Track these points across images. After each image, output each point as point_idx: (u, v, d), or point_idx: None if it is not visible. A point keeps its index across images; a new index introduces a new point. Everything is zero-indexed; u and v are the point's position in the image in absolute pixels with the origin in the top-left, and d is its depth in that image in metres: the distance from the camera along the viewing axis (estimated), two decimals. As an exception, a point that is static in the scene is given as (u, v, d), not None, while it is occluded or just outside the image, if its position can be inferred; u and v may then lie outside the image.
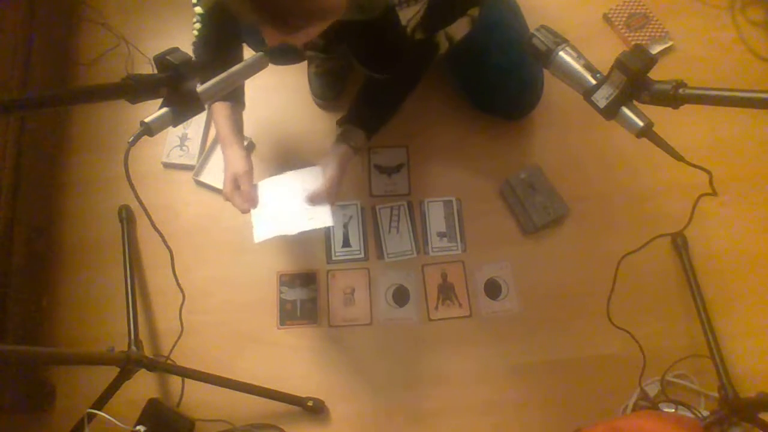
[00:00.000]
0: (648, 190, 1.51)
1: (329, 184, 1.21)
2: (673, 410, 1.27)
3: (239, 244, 1.48)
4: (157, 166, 1.55)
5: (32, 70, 1.47)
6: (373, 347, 1.39)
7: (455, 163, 1.54)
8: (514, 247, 1.47)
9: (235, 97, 1.25)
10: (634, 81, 0.74)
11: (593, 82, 0.79)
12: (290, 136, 1.58)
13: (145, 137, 0.77)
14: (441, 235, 1.48)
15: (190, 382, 1.32)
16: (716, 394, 1.23)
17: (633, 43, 1.64)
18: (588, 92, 0.80)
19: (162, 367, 1.19)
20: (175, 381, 1.35)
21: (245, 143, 1.55)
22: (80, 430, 1.10)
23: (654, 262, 1.43)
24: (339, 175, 1.23)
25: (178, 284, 1.07)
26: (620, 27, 1.66)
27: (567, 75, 0.83)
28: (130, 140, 0.74)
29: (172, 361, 1.33)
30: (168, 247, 0.95)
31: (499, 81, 1.41)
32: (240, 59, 1.27)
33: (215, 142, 1.56)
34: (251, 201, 1.20)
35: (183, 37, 1.66)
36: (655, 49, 1.63)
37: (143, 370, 1.11)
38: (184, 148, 1.55)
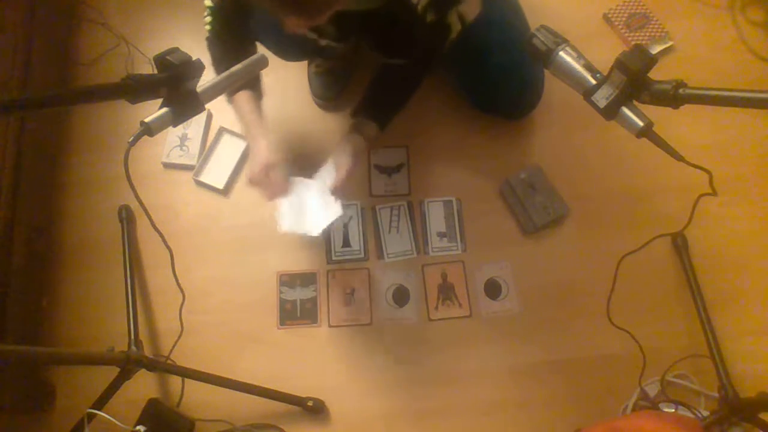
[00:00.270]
0: (648, 190, 1.51)
1: (342, 174, 1.22)
2: (673, 410, 1.27)
3: (239, 244, 1.48)
4: (157, 166, 1.55)
5: (32, 70, 1.47)
6: (373, 347, 1.39)
7: (455, 163, 1.54)
8: (514, 247, 1.47)
9: (255, 87, 1.27)
10: (634, 81, 0.74)
11: (593, 82, 0.80)
12: (290, 135, 1.58)
13: (145, 137, 0.77)
14: (441, 235, 1.48)
15: (190, 382, 1.32)
16: (716, 394, 1.24)
17: (633, 43, 1.63)
18: (588, 92, 0.80)
19: (162, 367, 1.19)
20: (175, 381, 1.35)
21: (245, 143, 1.55)
22: (80, 430, 1.10)
23: (654, 262, 1.43)
24: (352, 166, 1.24)
25: (178, 284, 1.07)
26: (620, 27, 1.66)
27: (567, 75, 0.83)
28: (130, 140, 0.74)
29: (172, 361, 1.33)
30: (168, 247, 0.95)
31: (501, 80, 1.41)
32: (254, 52, 1.27)
33: (215, 142, 1.56)
34: (282, 190, 1.21)
35: (183, 37, 1.67)
36: (655, 49, 1.63)
37: (143, 370, 1.11)
38: (184, 148, 1.55)
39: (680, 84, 0.71)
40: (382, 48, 1.27)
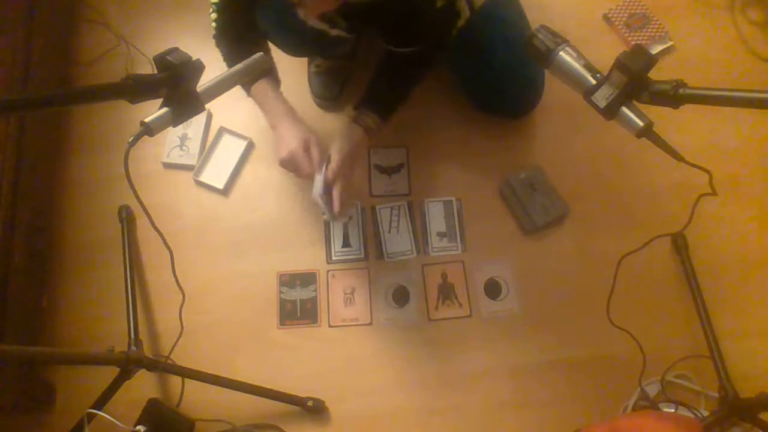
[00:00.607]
0: (648, 190, 1.51)
1: (337, 165, 1.22)
2: (673, 410, 1.27)
3: (239, 244, 1.48)
4: (157, 166, 1.55)
5: (32, 70, 1.47)
6: (373, 347, 1.39)
7: (455, 163, 1.54)
8: (514, 247, 1.47)
9: (272, 74, 1.28)
10: (634, 81, 0.74)
11: (593, 82, 0.80)
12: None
13: (145, 137, 0.77)
14: (441, 235, 1.48)
15: (190, 382, 1.32)
16: (716, 394, 1.24)
17: (633, 43, 1.64)
18: (588, 92, 0.80)
19: (162, 367, 1.19)
20: (175, 381, 1.35)
21: (245, 143, 1.55)
22: (80, 430, 1.10)
23: (654, 262, 1.43)
24: (349, 156, 1.23)
25: (178, 284, 1.07)
26: (620, 27, 1.66)
27: (567, 75, 0.83)
28: (130, 140, 0.74)
29: (172, 361, 1.33)
30: (168, 247, 0.95)
31: (503, 78, 1.41)
32: (265, 48, 1.28)
33: (215, 142, 1.56)
34: (319, 165, 1.22)
35: (183, 37, 1.67)
36: (655, 49, 1.63)
37: (143, 370, 1.11)
38: (184, 148, 1.55)
39: (680, 84, 0.71)
40: (392, 37, 1.26)
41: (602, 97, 0.78)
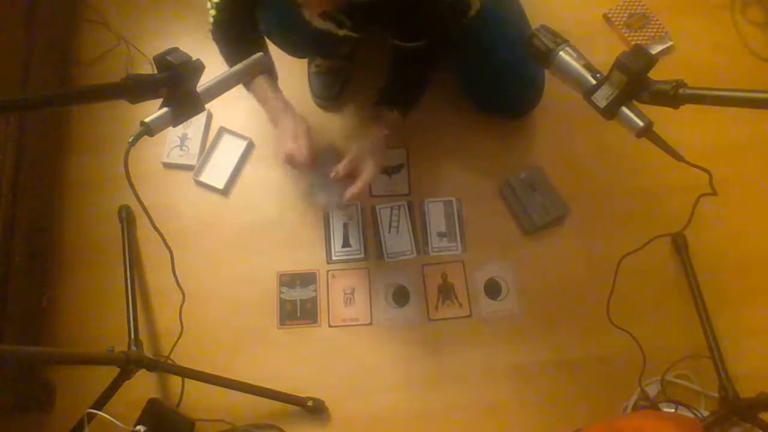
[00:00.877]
0: (648, 190, 1.51)
1: (349, 159, 1.25)
2: (673, 410, 1.27)
3: (239, 244, 1.48)
4: (157, 166, 1.55)
5: (32, 70, 1.47)
6: (373, 347, 1.39)
7: (455, 163, 1.54)
8: (514, 247, 1.47)
9: (272, 72, 1.30)
10: (634, 81, 0.74)
11: (593, 82, 0.80)
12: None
13: (145, 137, 0.77)
14: (441, 235, 1.48)
15: (190, 382, 1.32)
16: (716, 394, 1.23)
17: (633, 43, 1.63)
18: (588, 92, 0.80)
19: (162, 367, 1.19)
20: (175, 381, 1.35)
21: (245, 143, 1.55)
22: (80, 430, 1.10)
23: (654, 262, 1.43)
24: (368, 152, 1.26)
25: (178, 284, 1.07)
26: (620, 27, 1.66)
27: (567, 75, 0.83)
28: (130, 140, 0.74)
29: (172, 361, 1.33)
30: (168, 247, 0.95)
31: (503, 78, 1.41)
32: (264, 46, 1.29)
33: (215, 142, 1.56)
34: (307, 154, 1.24)
35: (183, 37, 1.67)
36: (655, 49, 1.63)
37: (143, 370, 1.11)
38: (184, 148, 1.55)
39: (680, 84, 0.71)
40: (398, 31, 1.26)
41: (602, 97, 0.78)
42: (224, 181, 1.52)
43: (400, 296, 1.43)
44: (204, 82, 0.85)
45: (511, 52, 1.35)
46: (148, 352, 1.36)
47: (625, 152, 1.54)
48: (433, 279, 1.44)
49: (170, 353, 1.33)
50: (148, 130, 0.77)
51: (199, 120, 1.57)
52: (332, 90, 1.58)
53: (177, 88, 0.78)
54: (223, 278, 1.45)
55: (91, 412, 1.07)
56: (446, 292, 1.43)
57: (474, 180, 1.53)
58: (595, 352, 1.37)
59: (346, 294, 1.43)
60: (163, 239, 0.92)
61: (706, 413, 1.27)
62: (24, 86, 1.43)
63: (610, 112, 0.78)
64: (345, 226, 1.49)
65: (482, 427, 1.32)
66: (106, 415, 1.05)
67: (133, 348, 1.22)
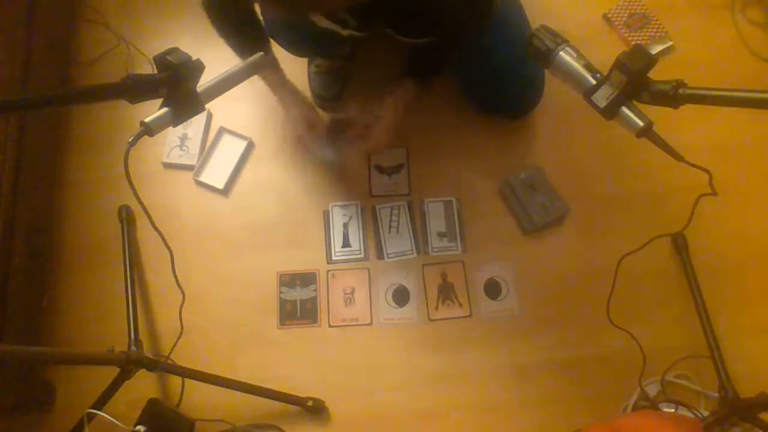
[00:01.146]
0: (648, 190, 1.51)
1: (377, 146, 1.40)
2: (673, 410, 1.27)
3: (239, 244, 1.48)
4: (157, 166, 1.55)
5: (32, 70, 1.47)
6: (373, 347, 1.39)
7: (455, 163, 1.54)
8: (514, 247, 1.47)
9: (267, 49, 1.31)
10: (634, 81, 0.74)
11: (593, 82, 0.80)
12: (290, 135, 1.58)
13: (145, 137, 0.77)
14: (441, 235, 1.48)
15: (190, 382, 1.32)
16: (716, 394, 1.23)
17: (633, 43, 1.63)
18: (588, 92, 0.80)
19: (162, 367, 1.19)
20: (175, 381, 1.35)
21: (245, 143, 1.55)
22: (80, 430, 1.10)
23: (654, 262, 1.43)
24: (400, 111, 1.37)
25: (178, 284, 1.07)
26: (620, 27, 1.66)
27: (567, 75, 0.83)
28: (130, 140, 0.74)
29: (172, 361, 1.33)
30: (168, 247, 0.95)
31: (503, 78, 1.41)
32: (265, 39, 1.30)
33: (215, 142, 1.56)
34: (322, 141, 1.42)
35: (183, 37, 1.67)
36: (655, 49, 1.63)
37: (143, 370, 1.11)
38: (184, 148, 1.55)
39: (680, 84, 0.71)
40: (406, 30, 1.25)
41: (602, 97, 0.78)
42: (224, 181, 1.52)
43: (400, 296, 1.43)
44: (204, 82, 0.85)
45: (511, 52, 1.35)
46: (148, 352, 1.36)
47: (625, 152, 1.54)
48: (433, 279, 1.44)
49: (170, 353, 1.33)
50: (148, 130, 0.77)
51: (199, 120, 1.57)
52: (332, 90, 1.58)
53: (177, 88, 0.78)
54: (223, 278, 1.45)
55: (91, 412, 1.07)
56: (446, 292, 1.43)
57: (474, 180, 1.53)
58: (595, 352, 1.37)
59: (346, 294, 1.43)
60: (163, 239, 0.92)
61: (706, 413, 1.27)
62: (24, 86, 1.43)
63: (610, 112, 0.78)
64: (345, 226, 1.49)
65: (482, 427, 1.32)
66: (106, 415, 1.05)
67: (133, 348, 1.22)
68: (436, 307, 1.42)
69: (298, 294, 1.43)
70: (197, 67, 0.80)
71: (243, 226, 1.50)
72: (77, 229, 1.51)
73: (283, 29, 1.27)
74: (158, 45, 0.88)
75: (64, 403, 1.35)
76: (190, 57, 0.79)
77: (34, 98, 0.73)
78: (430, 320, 1.41)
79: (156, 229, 0.88)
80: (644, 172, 1.52)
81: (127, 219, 1.46)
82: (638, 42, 1.64)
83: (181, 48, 0.79)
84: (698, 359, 1.34)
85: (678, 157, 0.76)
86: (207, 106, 0.85)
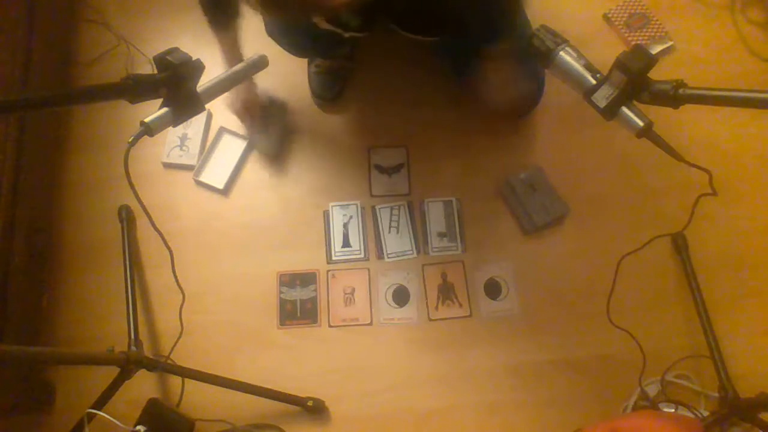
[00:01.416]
0: (648, 190, 1.51)
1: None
2: (673, 410, 1.27)
3: (239, 244, 1.48)
4: (157, 166, 1.55)
5: (32, 70, 1.47)
6: (373, 347, 1.39)
7: (455, 163, 1.54)
8: (514, 247, 1.47)
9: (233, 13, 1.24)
10: (634, 81, 0.74)
11: (593, 82, 0.80)
12: (290, 135, 1.58)
13: (145, 137, 0.77)
14: (441, 235, 1.48)
15: (190, 382, 1.32)
16: (716, 394, 1.24)
17: (633, 43, 1.63)
18: (588, 92, 0.80)
19: (162, 367, 1.19)
20: (175, 381, 1.35)
21: (245, 143, 1.55)
22: (80, 430, 1.10)
23: (654, 262, 1.43)
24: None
25: (178, 284, 1.07)
26: (620, 27, 1.66)
27: (567, 75, 0.83)
28: (130, 140, 0.74)
29: (172, 361, 1.33)
30: (168, 247, 0.95)
31: (503, 78, 1.40)
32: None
33: (215, 142, 1.56)
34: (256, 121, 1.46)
35: (183, 37, 1.67)
36: (655, 49, 1.63)
37: (143, 370, 1.11)
38: (184, 148, 1.55)
39: (680, 84, 0.71)
40: (411, 26, 1.24)
41: (602, 97, 0.78)
42: (224, 181, 1.52)
43: (400, 296, 1.43)
44: (204, 82, 0.86)
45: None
46: (148, 352, 1.36)
47: (624, 152, 1.54)
48: (433, 279, 1.44)
49: (170, 353, 1.33)
50: (148, 130, 0.77)
51: (199, 120, 1.57)
52: (332, 90, 1.58)
53: (177, 88, 0.79)
54: (223, 278, 1.45)
55: (91, 412, 1.07)
56: (446, 292, 1.43)
57: (474, 180, 1.53)
58: (595, 352, 1.37)
59: (346, 294, 1.43)
60: (163, 239, 0.92)
61: (706, 413, 1.27)
62: (24, 86, 1.43)
63: (610, 112, 0.78)
64: (345, 226, 1.49)
65: (482, 427, 1.32)
66: (106, 415, 1.05)
67: (133, 348, 1.21)
68: (436, 307, 1.42)
69: (298, 294, 1.43)
70: (197, 67, 0.81)
71: (243, 226, 1.50)
72: (77, 229, 1.51)
73: (283, 30, 1.27)
74: (158, 45, 0.88)
75: (64, 403, 1.35)
76: (190, 57, 0.79)
77: (34, 98, 0.73)
78: (430, 320, 1.41)
79: (156, 229, 0.88)
80: (644, 172, 1.52)
81: (127, 219, 1.46)
82: (638, 42, 1.64)
83: (181, 48, 0.79)
84: (698, 359, 1.34)
85: (678, 157, 0.76)
86: (207, 106, 0.85)
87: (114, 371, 1.07)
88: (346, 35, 1.20)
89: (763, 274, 1.43)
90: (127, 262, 1.38)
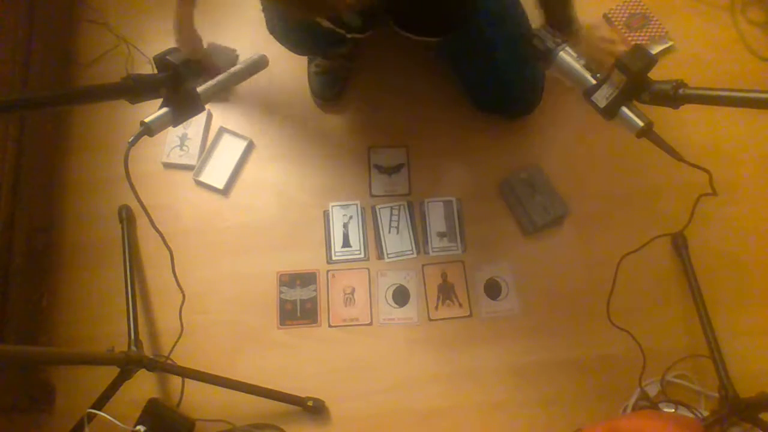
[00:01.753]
0: (648, 190, 1.51)
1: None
2: (673, 410, 1.27)
3: (239, 244, 1.48)
4: (157, 166, 1.55)
5: (32, 70, 1.47)
6: (373, 347, 1.39)
7: (455, 163, 1.54)
8: (514, 247, 1.47)
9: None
10: (634, 81, 0.74)
11: (593, 82, 0.80)
12: (290, 135, 1.58)
13: (145, 137, 0.77)
14: (441, 235, 1.48)
15: (190, 382, 1.32)
16: (716, 394, 1.24)
17: (633, 43, 1.63)
18: (588, 92, 0.80)
19: (162, 367, 1.19)
20: (175, 381, 1.35)
21: (245, 143, 1.55)
22: (80, 430, 1.10)
23: (654, 262, 1.43)
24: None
25: (178, 284, 1.07)
26: (620, 27, 1.66)
27: (567, 75, 0.83)
28: (130, 140, 0.74)
29: (172, 361, 1.33)
30: (168, 247, 0.95)
31: (505, 77, 1.41)
32: None
33: (215, 142, 1.56)
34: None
35: (183, 37, 1.67)
36: (655, 49, 1.63)
37: (143, 370, 1.11)
38: (184, 148, 1.55)
39: (680, 84, 0.71)
40: (414, 27, 1.24)
41: (602, 97, 0.78)
42: (224, 181, 1.52)
43: (400, 296, 1.43)
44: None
45: (512, 52, 1.35)
46: (148, 352, 1.36)
47: (625, 152, 1.54)
48: (433, 279, 1.44)
49: (170, 353, 1.33)
50: (148, 130, 0.77)
51: (199, 120, 1.57)
52: (332, 90, 1.58)
53: (177, 88, 0.79)
54: (223, 278, 1.45)
55: (91, 412, 1.07)
56: (446, 292, 1.43)
57: (474, 180, 1.53)
58: (595, 352, 1.37)
59: (346, 294, 1.43)
60: (163, 239, 0.92)
61: (706, 413, 1.27)
62: (24, 86, 1.43)
63: (610, 112, 0.78)
64: (345, 226, 1.49)
65: (482, 426, 1.32)
66: (106, 415, 1.05)
67: (133, 348, 1.22)
68: (436, 307, 1.42)
69: (298, 294, 1.43)
70: (197, 67, 0.80)
71: (243, 226, 1.50)
72: (77, 229, 1.51)
73: (285, 28, 1.27)
74: (158, 45, 0.88)
75: (64, 403, 1.35)
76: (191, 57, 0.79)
77: (34, 98, 0.73)
78: (430, 320, 1.41)
79: (156, 229, 0.88)
80: (644, 172, 1.52)
81: (127, 219, 1.46)
82: (638, 42, 1.64)
83: (181, 48, 0.79)
84: (698, 359, 1.34)
85: (678, 157, 0.76)
86: (207, 106, 0.85)
87: (114, 371, 1.07)
88: (348, 36, 1.20)
89: (763, 274, 1.43)
90: (127, 262, 1.38)
